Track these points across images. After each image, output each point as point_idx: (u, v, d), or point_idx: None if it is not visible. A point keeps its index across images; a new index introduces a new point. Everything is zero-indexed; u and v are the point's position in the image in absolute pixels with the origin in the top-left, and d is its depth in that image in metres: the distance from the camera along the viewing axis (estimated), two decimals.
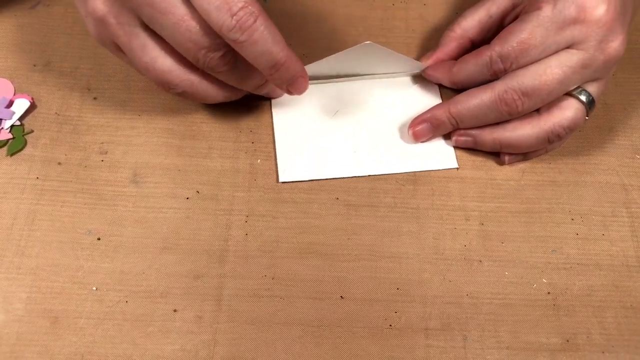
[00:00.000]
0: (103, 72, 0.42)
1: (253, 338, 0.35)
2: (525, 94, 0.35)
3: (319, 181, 0.39)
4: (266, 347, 0.34)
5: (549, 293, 0.36)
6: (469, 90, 0.38)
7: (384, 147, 0.40)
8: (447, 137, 0.41)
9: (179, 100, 0.42)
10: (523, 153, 0.39)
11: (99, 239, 0.37)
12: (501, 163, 0.40)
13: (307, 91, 0.39)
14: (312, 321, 0.35)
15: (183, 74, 0.35)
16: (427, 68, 0.42)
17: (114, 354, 0.34)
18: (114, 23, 0.33)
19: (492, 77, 0.37)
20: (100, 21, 0.34)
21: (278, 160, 0.39)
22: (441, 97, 0.42)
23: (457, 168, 0.40)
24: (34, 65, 0.43)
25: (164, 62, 0.35)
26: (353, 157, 0.40)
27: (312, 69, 0.39)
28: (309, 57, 0.43)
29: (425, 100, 0.42)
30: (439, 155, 0.40)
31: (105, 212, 0.38)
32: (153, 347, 0.34)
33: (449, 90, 0.42)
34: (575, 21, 0.34)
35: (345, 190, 0.39)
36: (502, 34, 0.36)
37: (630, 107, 0.43)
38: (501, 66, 0.36)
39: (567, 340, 0.35)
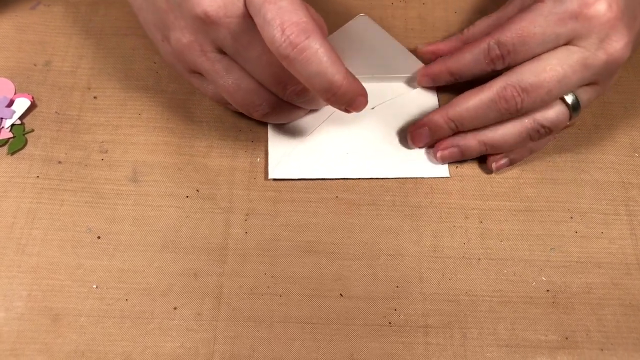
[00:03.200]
0: (103, 71, 0.43)
1: (252, 335, 0.35)
2: (525, 90, 0.35)
3: (319, 179, 0.39)
4: (265, 345, 0.34)
5: (548, 291, 0.37)
6: (466, 92, 0.38)
7: (377, 151, 0.40)
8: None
9: (179, 98, 0.42)
10: (509, 158, 0.39)
11: (99, 237, 0.37)
12: (489, 170, 0.40)
13: None
14: (312, 319, 0.35)
15: (267, 94, 0.35)
16: (422, 69, 0.41)
17: (114, 352, 0.34)
18: (198, 50, 0.34)
19: (489, 65, 0.37)
20: (185, 48, 0.34)
21: (269, 157, 0.40)
22: (439, 103, 0.42)
23: (449, 177, 0.40)
24: (35, 65, 0.43)
25: (249, 83, 0.35)
26: (345, 158, 0.40)
27: None
28: None
29: (422, 106, 0.42)
30: (431, 163, 0.40)
31: (105, 210, 0.38)
32: (153, 345, 0.34)
33: (447, 97, 0.42)
34: (576, 15, 0.34)
35: (345, 188, 0.39)
36: (503, 24, 0.36)
37: (629, 105, 0.43)
38: (498, 52, 0.36)
39: (566, 338, 0.35)
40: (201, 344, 0.34)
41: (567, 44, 0.35)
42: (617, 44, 0.34)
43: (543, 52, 0.35)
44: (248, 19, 0.32)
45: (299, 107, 0.38)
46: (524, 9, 0.36)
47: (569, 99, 0.36)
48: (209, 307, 0.35)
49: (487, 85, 0.37)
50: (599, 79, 0.36)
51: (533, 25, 0.35)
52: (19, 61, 0.43)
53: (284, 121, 0.40)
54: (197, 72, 0.36)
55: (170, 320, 0.35)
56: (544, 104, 0.36)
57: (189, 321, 0.35)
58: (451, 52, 0.41)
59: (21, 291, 0.35)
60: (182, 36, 0.34)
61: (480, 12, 0.46)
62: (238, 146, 0.40)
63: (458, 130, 0.39)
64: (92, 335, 0.34)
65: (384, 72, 0.42)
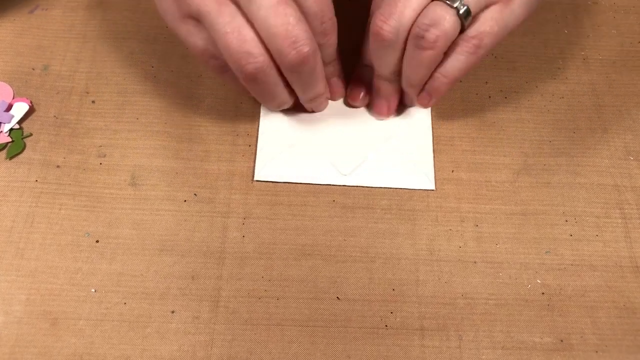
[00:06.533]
0: (101, 76, 0.43)
1: (250, 338, 0.35)
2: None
3: (315, 184, 0.40)
4: (262, 348, 0.35)
5: (543, 293, 0.37)
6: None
7: (364, 160, 0.40)
8: (427, 158, 0.40)
9: (177, 103, 0.42)
10: (427, 91, 0.38)
11: (97, 241, 0.37)
12: (484, 174, 0.40)
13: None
14: (308, 322, 0.36)
15: (263, 49, 0.34)
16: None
17: (112, 355, 0.34)
18: None
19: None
20: None
21: (257, 159, 0.40)
22: (432, 119, 0.42)
23: (434, 189, 0.40)
24: (33, 69, 0.43)
25: (249, 32, 0.33)
26: (332, 165, 0.40)
27: None
28: None
29: (414, 119, 0.42)
30: (418, 174, 0.40)
31: (103, 214, 0.38)
32: (151, 348, 0.34)
33: (440, 114, 0.42)
34: None
35: (341, 192, 0.39)
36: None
37: (623, 109, 0.43)
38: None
39: (561, 340, 0.36)
40: (199, 347, 0.35)
41: None
42: None
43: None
44: None
45: (281, 85, 0.37)
46: None
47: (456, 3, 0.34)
48: (207, 310, 0.36)
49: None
50: None
51: None
52: (17, 65, 0.43)
53: (262, 97, 0.37)
54: (193, 18, 0.34)
55: (168, 323, 0.35)
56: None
57: (187, 324, 0.35)
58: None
59: (20, 295, 0.36)
60: None
61: None
62: (236, 150, 0.41)
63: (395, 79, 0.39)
64: (91, 338, 0.35)
65: None
